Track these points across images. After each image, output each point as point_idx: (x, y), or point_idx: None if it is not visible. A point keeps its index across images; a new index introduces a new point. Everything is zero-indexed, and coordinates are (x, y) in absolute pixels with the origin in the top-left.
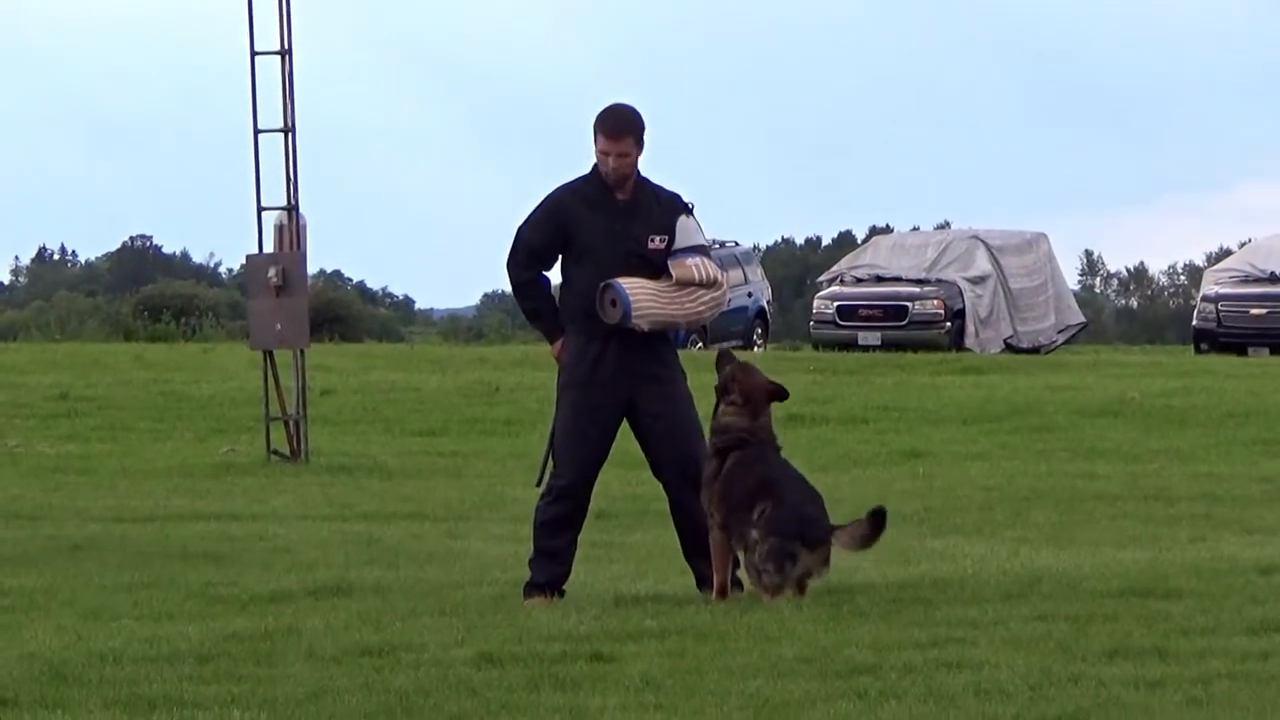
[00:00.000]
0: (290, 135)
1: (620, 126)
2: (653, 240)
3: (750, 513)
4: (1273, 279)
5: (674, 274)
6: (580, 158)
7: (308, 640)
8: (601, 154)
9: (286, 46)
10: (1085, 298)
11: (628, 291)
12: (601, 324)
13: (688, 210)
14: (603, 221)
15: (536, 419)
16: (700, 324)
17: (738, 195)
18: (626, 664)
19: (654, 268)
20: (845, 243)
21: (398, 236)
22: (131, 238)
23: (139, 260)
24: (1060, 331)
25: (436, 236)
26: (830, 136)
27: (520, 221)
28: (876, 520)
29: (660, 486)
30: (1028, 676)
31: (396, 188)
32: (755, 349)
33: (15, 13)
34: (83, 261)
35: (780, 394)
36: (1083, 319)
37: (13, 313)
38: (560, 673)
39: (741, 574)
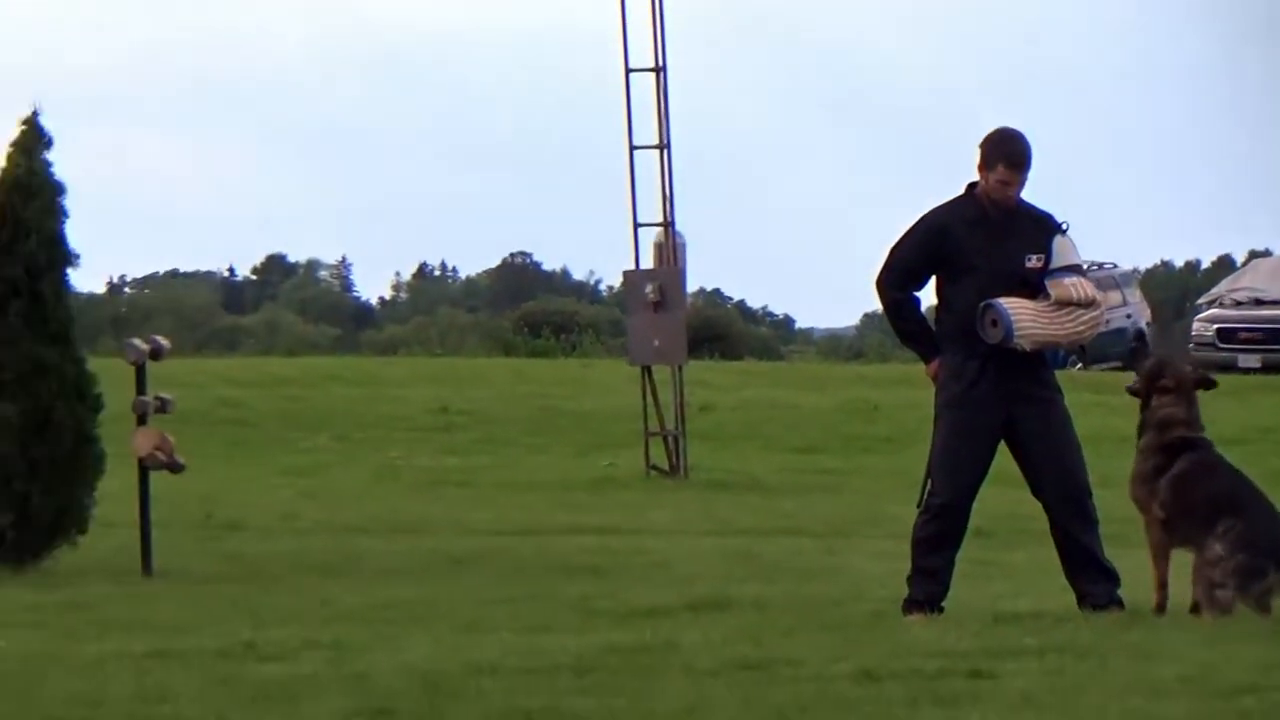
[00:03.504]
0: (665, 151)
1: (1024, 157)
2: (1030, 259)
3: (1210, 526)
4: None
5: (1052, 294)
6: (965, 175)
7: (686, 654)
8: (1000, 183)
9: (660, 63)
10: None
11: (1009, 311)
12: (980, 343)
13: (1062, 230)
14: (981, 241)
15: (915, 437)
16: (1079, 344)
17: (1118, 218)
18: (1005, 681)
19: (1030, 287)
20: (1224, 266)
21: (777, 255)
22: (511, 254)
23: (519, 276)
24: None
25: (817, 255)
26: (1209, 159)
27: (893, 242)
28: None
29: (1038, 505)
30: None
31: (775, 204)
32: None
33: (395, 27)
34: (463, 278)
35: (1209, 383)
36: None
37: (394, 328)
38: (939, 689)
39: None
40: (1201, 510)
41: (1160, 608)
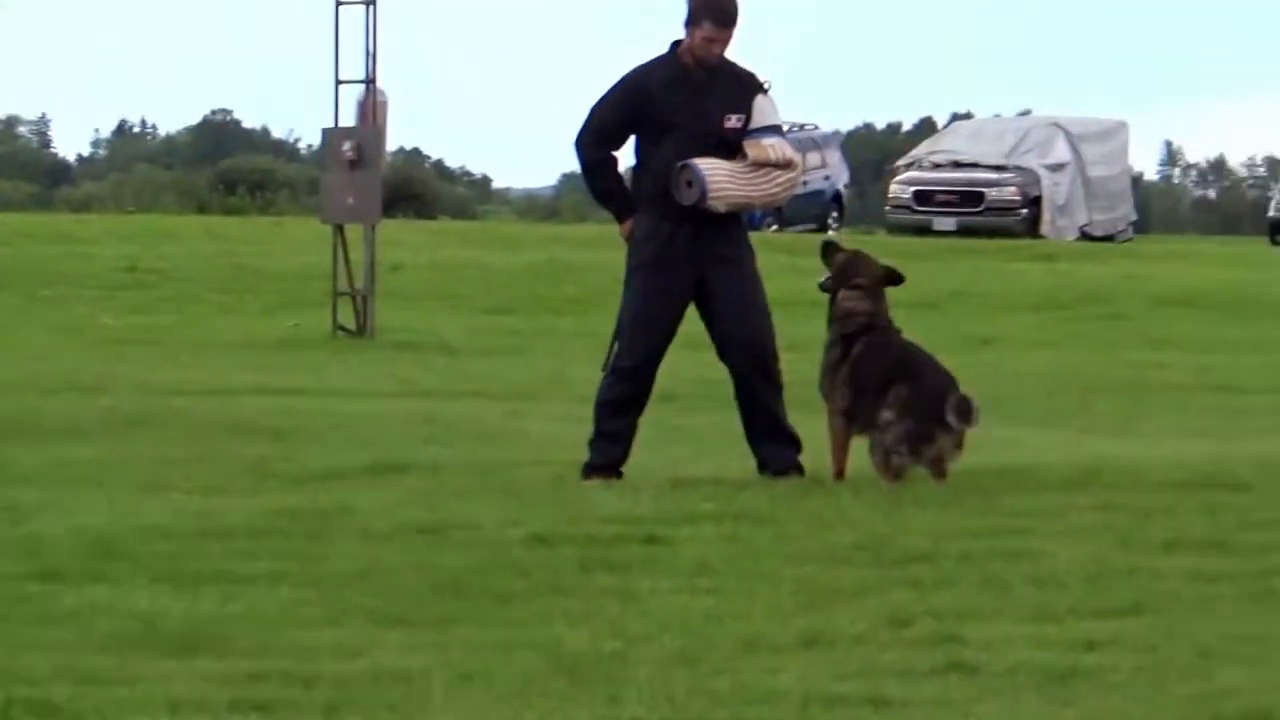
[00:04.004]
0: (371, 7)
1: (731, 14)
2: (729, 119)
3: (884, 395)
4: None
5: (749, 154)
6: (665, 32)
7: (361, 518)
8: (705, 40)
9: None
10: (1164, 188)
11: (704, 172)
12: (674, 204)
13: (763, 90)
14: (680, 100)
15: (605, 298)
16: (774, 205)
17: (818, 78)
18: (680, 547)
19: (729, 148)
20: (926, 129)
21: (477, 114)
22: (212, 111)
23: (219, 134)
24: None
25: (516, 115)
26: (916, 22)
27: (594, 101)
28: None
29: (723, 369)
30: (1085, 567)
31: (477, 65)
32: (830, 231)
33: None
34: (163, 135)
35: (897, 278)
36: (1136, 216)
37: (91, 185)
38: (613, 555)
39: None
40: (875, 385)
41: (840, 474)
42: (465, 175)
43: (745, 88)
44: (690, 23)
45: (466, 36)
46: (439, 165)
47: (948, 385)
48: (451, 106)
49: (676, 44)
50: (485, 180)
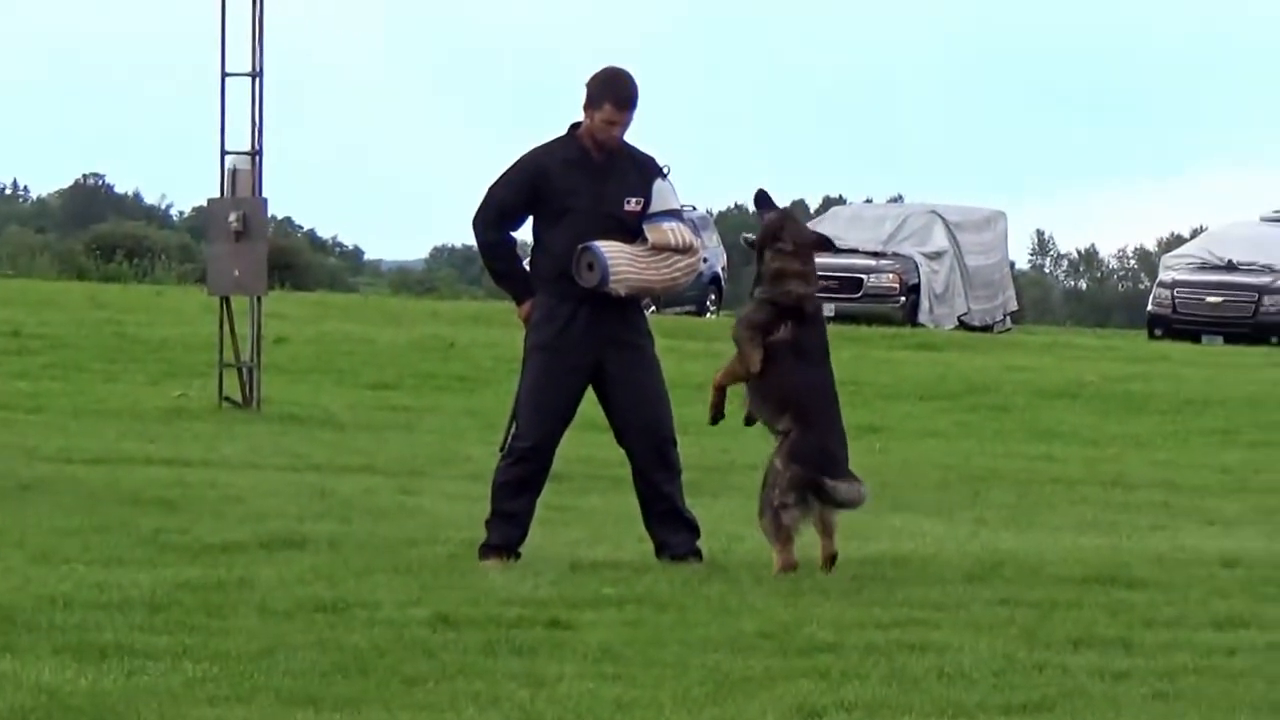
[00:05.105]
0: (257, 79)
1: (631, 97)
2: (629, 202)
3: (780, 413)
4: (1229, 267)
5: (650, 238)
6: (540, 114)
7: (260, 593)
8: (606, 122)
9: None
10: (1035, 278)
11: (606, 255)
12: (574, 286)
13: (663, 174)
14: (580, 182)
15: (490, 376)
16: (676, 290)
17: (691, 160)
18: (584, 632)
19: (629, 231)
20: (798, 212)
21: (349, 185)
22: (84, 175)
23: (91, 198)
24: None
25: (388, 187)
26: (785, 106)
27: (492, 181)
28: None
29: (618, 451)
30: (991, 662)
31: (349, 136)
32: (709, 315)
33: None
34: (34, 197)
35: (827, 243)
36: (1017, 306)
37: None
38: (517, 638)
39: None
40: (774, 396)
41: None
42: (337, 246)
43: (644, 171)
44: (590, 105)
45: (335, 105)
46: (310, 235)
47: (831, 436)
48: (321, 176)
49: (575, 126)
50: (357, 251)
